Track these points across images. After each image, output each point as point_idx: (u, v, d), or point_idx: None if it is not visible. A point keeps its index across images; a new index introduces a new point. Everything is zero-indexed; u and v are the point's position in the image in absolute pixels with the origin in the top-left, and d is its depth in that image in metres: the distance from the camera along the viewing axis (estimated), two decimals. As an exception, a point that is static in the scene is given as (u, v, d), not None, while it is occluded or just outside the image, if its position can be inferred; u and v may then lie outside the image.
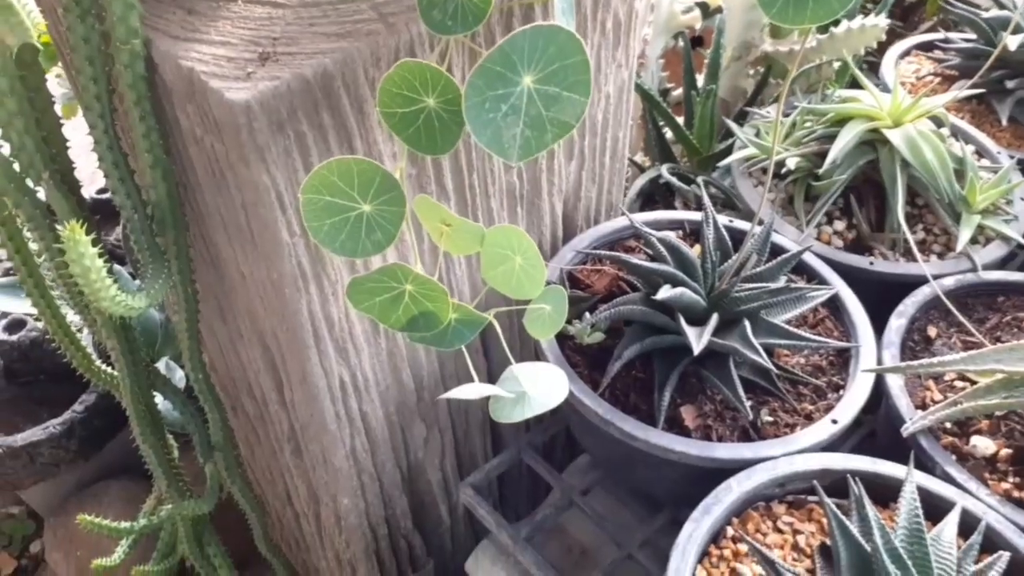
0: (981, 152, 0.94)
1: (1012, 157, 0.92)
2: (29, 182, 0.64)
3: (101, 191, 1.23)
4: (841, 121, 0.87)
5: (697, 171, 1.08)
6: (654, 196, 1.10)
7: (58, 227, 0.67)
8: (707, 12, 1.03)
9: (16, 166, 0.63)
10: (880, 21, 0.91)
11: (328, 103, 0.56)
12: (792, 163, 0.86)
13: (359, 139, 0.59)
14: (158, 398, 0.77)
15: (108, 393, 0.79)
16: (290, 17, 0.59)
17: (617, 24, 0.75)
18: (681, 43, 1.07)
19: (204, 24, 0.58)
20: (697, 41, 1.26)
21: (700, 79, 1.12)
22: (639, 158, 1.15)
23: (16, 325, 1.01)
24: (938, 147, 0.84)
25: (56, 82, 1.14)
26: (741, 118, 1.10)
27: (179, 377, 0.93)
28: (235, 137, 0.53)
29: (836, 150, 0.83)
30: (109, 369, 0.75)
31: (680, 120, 1.10)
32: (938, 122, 0.90)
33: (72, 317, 0.75)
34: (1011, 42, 0.93)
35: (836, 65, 0.99)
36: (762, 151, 0.90)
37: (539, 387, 0.51)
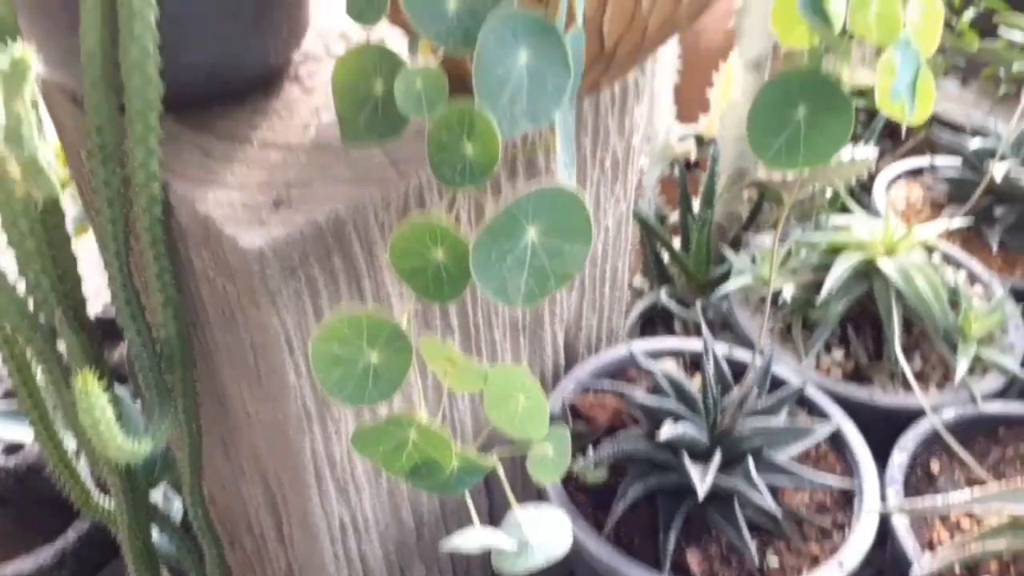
0: (974, 279, 0.96)
1: (1004, 284, 0.94)
2: (41, 317, 0.65)
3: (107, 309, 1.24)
4: (835, 250, 0.90)
5: (696, 295, 1.10)
6: (654, 318, 1.12)
7: (61, 350, 0.68)
8: (701, 143, 1.07)
9: (30, 302, 0.64)
10: (870, 153, 0.95)
11: (339, 247, 0.58)
12: (788, 294, 0.88)
13: (368, 279, 0.61)
14: (154, 530, 0.76)
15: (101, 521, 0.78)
16: (304, 160, 0.61)
17: (615, 162, 0.78)
18: (677, 172, 1.10)
19: (221, 167, 0.60)
20: (694, 164, 1.30)
21: (696, 203, 1.15)
22: (638, 281, 1.17)
23: (12, 450, 1.00)
24: (931, 277, 0.86)
25: (69, 199, 1.16)
26: (736, 244, 1.12)
27: (176, 508, 0.92)
28: (248, 282, 0.55)
29: (831, 281, 0.85)
30: (107, 504, 0.74)
31: (677, 244, 1.12)
32: (930, 249, 0.92)
33: (71, 443, 0.75)
34: (997, 173, 0.97)
35: (829, 193, 1.03)
36: (758, 281, 0.92)
37: (542, 534, 0.50)
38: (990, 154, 1.01)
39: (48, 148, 0.47)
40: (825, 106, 0.53)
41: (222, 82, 0.66)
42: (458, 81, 0.48)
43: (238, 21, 0.63)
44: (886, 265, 0.85)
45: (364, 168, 0.60)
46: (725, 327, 1.03)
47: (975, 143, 1.05)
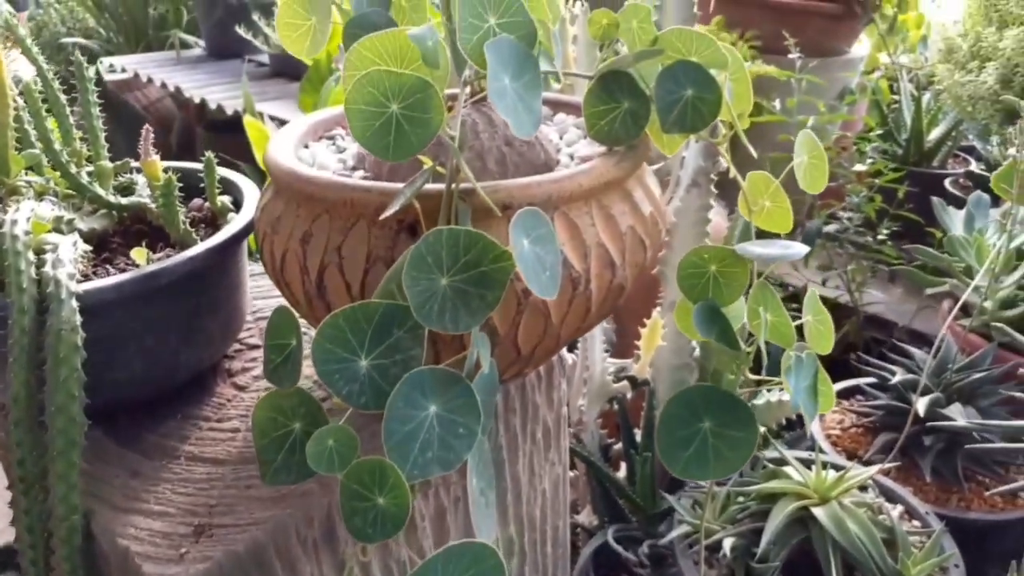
0: (910, 513, 0.97)
1: (942, 519, 0.95)
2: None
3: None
4: (773, 496, 0.91)
5: (646, 527, 1.09)
6: (608, 557, 1.10)
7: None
8: (635, 384, 1.10)
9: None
10: (795, 395, 0.98)
11: (259, 572, 0.57)
12: (728, 545, 0.88)
13: (291, 596, 0.60)
14: None
15: None
16: (229, 478, 0.62)
17: (547, 431, 0.80)
18: (616, 406, 1.13)
19: (146, 489, 0.61)
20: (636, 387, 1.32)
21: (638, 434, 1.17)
22: (586, 515, 1.17)
23: None
24: (865, 523, 0.86)
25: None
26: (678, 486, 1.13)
27: None
28: (164, 622, 0.54)
29: (769, 533, 0.85)
30: None
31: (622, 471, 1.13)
32: (864, 488, 0.93)
33: None
34: (920, 407, 1.00)
35: (762, 429, 1.05)
36: (697, 528, 0.92)
37: None
38: (913, 386, 1.05)
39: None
40: (730, 419, 0.56)
41: (152, 392, 0.67)
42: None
43: (169, 337, 0.65)
44: (820, 514, 0.86)
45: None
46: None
47: (898, 375, 1.09)
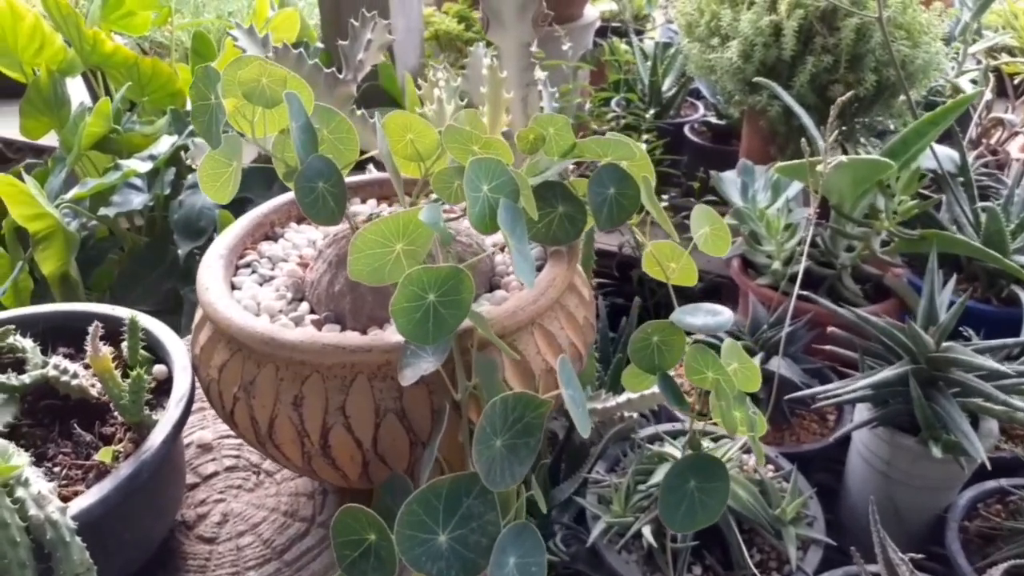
0: (766, 459, 1.17)
1: (785, 456, 1.15)
2: None
3: None
4: (667, 479, 1.04)
5: (555, 515, 1.20)
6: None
7: None
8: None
9: None
10: (662, 385, 1.12)
11: None
12: (647, 532, 1.01)
13: None
14: None
15: None
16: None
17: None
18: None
19: None
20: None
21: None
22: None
23: None
24: (747, 485, 1.03)
25: None
26: (558, 461, 1.24)
27: None
28: None
29: (679, 515, 0.99)
30: None
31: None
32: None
33: None
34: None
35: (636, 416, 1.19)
36: (615, 521, 1.04)
37: None
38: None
39: None
40: (709, 476, 0.66)
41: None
42: None
43: (144, 520, 0.63)
44: (715, 488, 1.01)
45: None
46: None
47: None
